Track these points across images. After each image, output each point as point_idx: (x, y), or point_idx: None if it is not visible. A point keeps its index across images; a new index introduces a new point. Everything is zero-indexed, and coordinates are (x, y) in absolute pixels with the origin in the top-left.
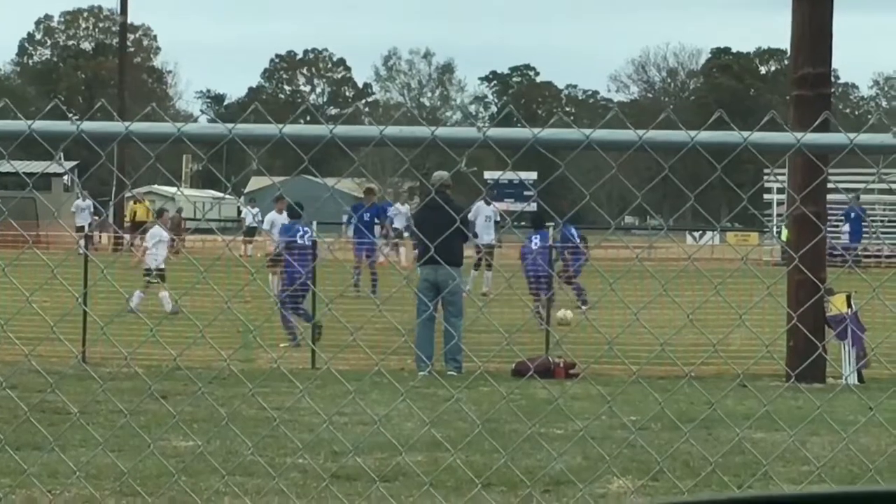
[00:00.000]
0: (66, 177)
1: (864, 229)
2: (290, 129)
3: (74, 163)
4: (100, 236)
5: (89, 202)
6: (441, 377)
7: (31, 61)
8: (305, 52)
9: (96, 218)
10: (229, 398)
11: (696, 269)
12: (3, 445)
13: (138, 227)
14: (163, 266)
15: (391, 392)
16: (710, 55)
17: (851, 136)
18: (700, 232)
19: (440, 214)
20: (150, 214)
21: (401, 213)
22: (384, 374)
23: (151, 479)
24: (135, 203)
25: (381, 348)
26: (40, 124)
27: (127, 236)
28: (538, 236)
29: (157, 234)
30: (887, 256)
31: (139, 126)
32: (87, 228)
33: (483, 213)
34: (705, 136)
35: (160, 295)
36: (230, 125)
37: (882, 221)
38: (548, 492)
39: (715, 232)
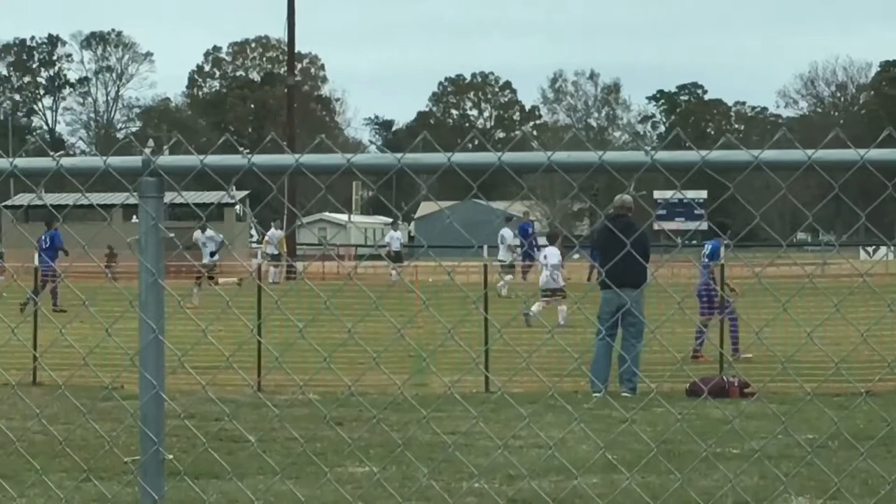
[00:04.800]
0: (238, 206)
1: None
2: (458, 157)
3: (246, 192)
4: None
5: (280, 232)
6: (615, 399)
7: (200, 93)
8: (473, 75)
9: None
10: (404, 424)
11: (869, 285)
12: (182, 475)
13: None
14: None
15: (565, 415)
16: (879, 68)
17: None
18: (874, 247)
19: (622, 237)
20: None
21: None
22: (557, 397)
23: None
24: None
25: (553, 371)
26: (212, 159)
27: (300, 265)
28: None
29: None
30: None
31: (309, 158)
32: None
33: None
34: (875, 153)
35: None
36: (399, 155)
37: None
38: None
39: (889, 247)
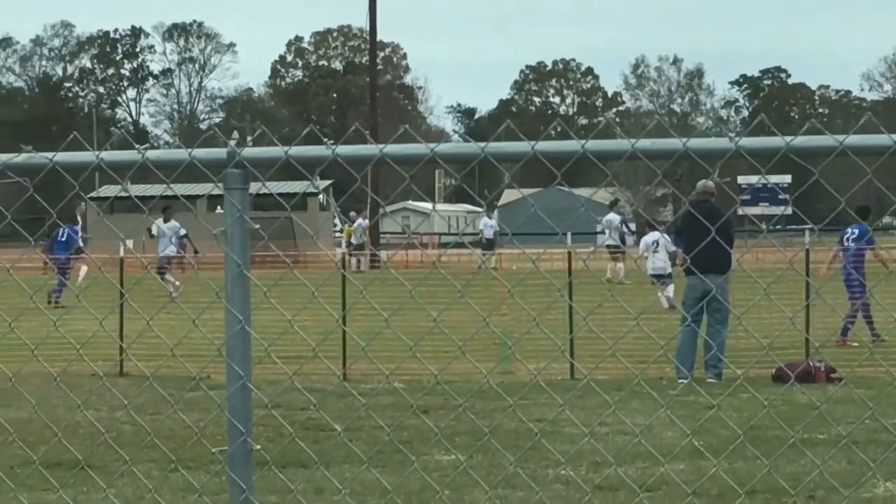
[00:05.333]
0: (321, 196)
1: None
2: (542, 145)
3: (329, 182)
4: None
5: (366, 222)
6: (700, 385)
7: (283, 83)
8: (554, 62)
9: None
10: (490, 411)
11: None
12: (269, 464)
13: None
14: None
15: (651, 401)
16: None
17: None
18: None
19: (706, 223)
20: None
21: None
22: (643, 384)
23: (416, 493)
24: (348, 226)
25: (639, 358)
26: (297, 150)
27: (384, 254)
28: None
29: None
30: None
31: (393, 148)
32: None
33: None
34: None
35: None
36: (483, 143)
37: None
38: (812, 498)
39: None
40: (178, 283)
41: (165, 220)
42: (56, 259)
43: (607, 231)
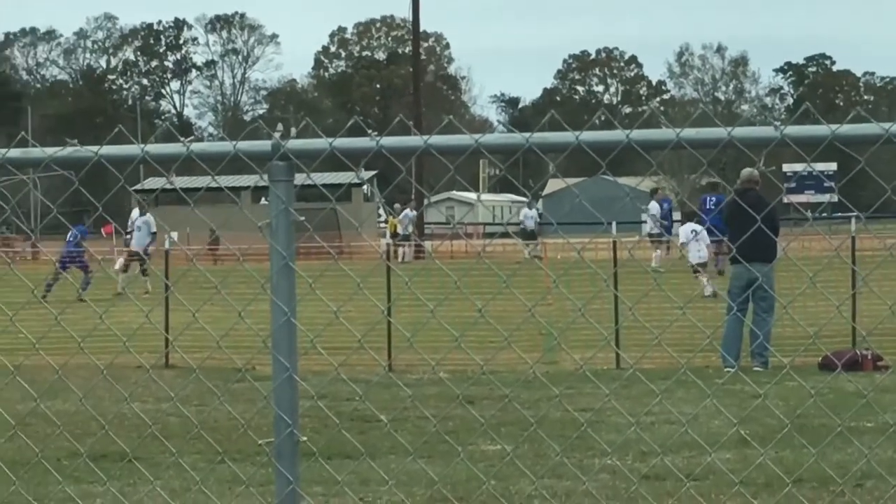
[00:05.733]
0: (365, 187)
1: None
2: (586, 135)
3: (373, 172)
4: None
5: (413, 213)
6: (747, 374)
7: (326, 73)
8: (597, 51)
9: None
10: (535, 401)
11: None
12: (315, 456)
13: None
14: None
15: (697, 390)
16: None
17: None
18: None
19: (750, 212)
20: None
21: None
22: (689, 373)
23: (462, 484)
24: (392, 218)
25: (685, 347)
26: (341, 142)
27: (428, 244)
28: None
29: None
30: None
31: (438, 139)
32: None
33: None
34: None
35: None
36: (527, 134)
37: None
38: (859, 486)
39: None
40: (124, 280)
41: (141, 214)
42: (73, 257)
43: (649, 220)
